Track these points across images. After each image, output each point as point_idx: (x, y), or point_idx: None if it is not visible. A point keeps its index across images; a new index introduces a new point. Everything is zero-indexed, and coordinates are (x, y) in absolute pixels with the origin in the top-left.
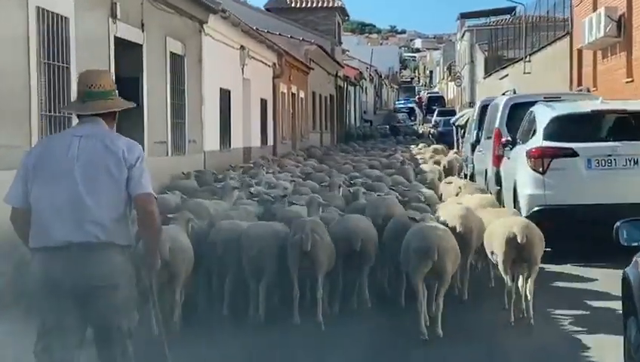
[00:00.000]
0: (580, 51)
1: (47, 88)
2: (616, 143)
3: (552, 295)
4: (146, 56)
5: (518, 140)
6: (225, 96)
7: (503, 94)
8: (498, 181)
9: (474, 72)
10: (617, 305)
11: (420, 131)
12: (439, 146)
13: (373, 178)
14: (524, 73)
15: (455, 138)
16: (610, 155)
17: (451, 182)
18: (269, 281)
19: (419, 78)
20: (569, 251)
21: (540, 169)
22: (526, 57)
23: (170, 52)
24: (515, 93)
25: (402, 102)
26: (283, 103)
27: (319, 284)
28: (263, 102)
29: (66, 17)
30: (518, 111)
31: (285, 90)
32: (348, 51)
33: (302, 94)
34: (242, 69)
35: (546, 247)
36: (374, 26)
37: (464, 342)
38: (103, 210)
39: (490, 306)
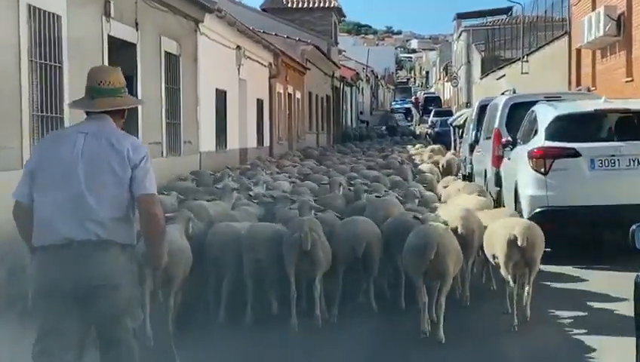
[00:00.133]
0: (578, 51)
1: (38, 88)
2: (620, 143)
3: (553, 296)
4: (141, 56)
5: (519, 140)
6: (221, 96)
7: (503, 94)
8: (498, 182)
9: (470, 73)
10: (619, 307)
11: (418, 132)
12: (436, 146)
13: (371, 178)
14: (522, 73)
15: (452, 138)
16: (613, 155)
17: (450, 183)
18: (271, 283)
19: (415, 78)
20: (571, 253)
21: (542, 169)
22: (523, 57)
23: (165, 51)
24: (514, 92)
25: (399, 102)
26: (279, 104)
27: (317, 283)
28: (259, 103)
29: (58, 15)
30: (517, 111)
31: (282, 91)
32: (344, 52)
33: (298, 95)
34: (238, 69)
35: (548, 249)
36: (370, 27)
37: (464, 343)
38: (105, 208)
39: (490, 308)
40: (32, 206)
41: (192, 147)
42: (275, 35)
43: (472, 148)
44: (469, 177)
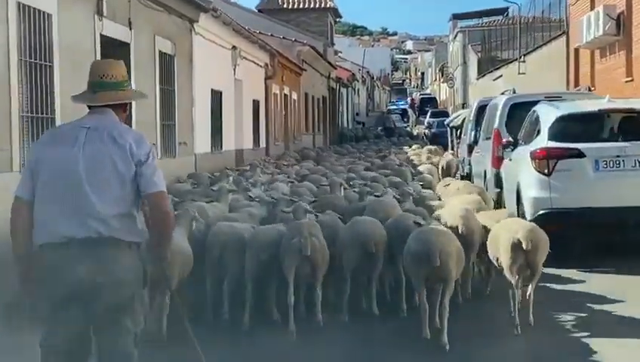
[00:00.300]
0: (576, 50)
1: (28, 88)
2: (625, 144)
3: (555, 298)
4: (134, 56)
5: (520, 141)
6: (216, 97)
7: (502, 94)
8: (498, 183)
9: (467, 73)
10: (622, 309)
11: (415, 133)
12: (434, 147)
13: (370, 179)
14: (519, 74)
15: (450, 139)
16: (618, 156)
17: (449, 183)
18: (272, 286)
19: (410, 79)
20: (575, 255)
21: (545, 170)
22: (520, 57)
23: (160, 51)
24: (514, 92)
25: (395, 103)
26: (275, 105)
27: (318, 290)
28: (255, 104)
29: (48, 14)
30: (518, 111)
31: (278, 92)
32: (340, 52)
33: (294, 95)
34: (234, 70)
35: (551, 252)
36: (366, 28)
37: (465, 345)
38: (107, 205)
39: (490, 310)
40: (32, 202)
41: (187, 148)
42: (271, 35)
43: (470, 149)
44: (467, 178)
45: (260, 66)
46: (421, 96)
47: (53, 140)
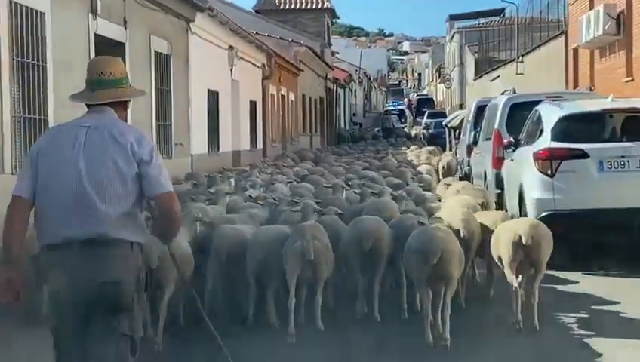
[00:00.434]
0: (575, 50)
1: (20, 88)
2: (630, 144)
3: (559, 299)
4: (129, 55)
5: (522, 141)
6: (213, 97)
7: (502, 94)
8: (498, 184)
9: (464, 74)
10: (626, 310)
11: (413, 134)
12: (432, 148)
13: (369, 179)
14: (517, 74)
15: (447, 140)
16: (623, 157)
17: (449, 184)
18: (277, 287)
19: (407, 80)
20: (580, 258)
21: (549, 171)
22: (518, 58)
23: (155, 51)
24: (514, 92)
25: (392, 104)
26: (273, 105)
27: (318, 295)
28: (253, 104)
29: (41, 12)
30: (518, 111)
31: (275, 92)
32: (337, 53)
33: (292, 96)
34: (231, 70)
35: (555, 253)
36: (362, 29)
37: (468, 346)
38: (108, 205)
39: (493, 311)
40: (31, 202)
41: (183, 149)
42: (268, 36)
43: (469, 149)
44: (466, 179)
45: (257, 67)
46: (418, 97)
47: (52, 140)
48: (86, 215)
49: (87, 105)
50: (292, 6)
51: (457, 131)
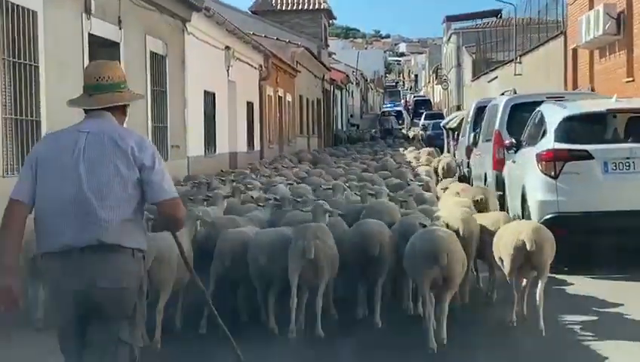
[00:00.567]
0: (574, 51)
1: (12, 89)
2: (635, 145)
3: (563, 302)
4: (124, 56)
5: (524, 142)
6: (209, 98)
7: (502, 94)
8: (499, 186)
9: (461, 75)
10: (630, 313)
11: (411, 135)
12: (430, 149)
13: (369, 180)
14: (515, 75)
15: (446, 141)
16: (628, 158)
17: (449, 187)
18: (278, 290)
19: (404, 81)
20: (584, 261)
21: (552, 173)
22: (516, 59)
23: (151, 51)
24: (515, 93)
25: (389, 106)
26: (270, 107)
27: (319, 298)
28: (250, 106)
29: (33, 11)
30: (519, 112)
31: (272, 93)
32: (334, 54)
33: (289, 97)
34: (227, 71)
35: (560, 257)
36: (359, 31)
37: (470, 348)
38: (109, 210)
39: (494, 312)
40: (30, 207)
41: (179, 152)
42: (265, 37)
43: (469, 150)
44: (466, 180)
45: (254, 68)
46: (415, 98)
47: (51, 146)
48: (86, 221)
49: (86, 111)
50: (289, 7)
51: (456, 132)
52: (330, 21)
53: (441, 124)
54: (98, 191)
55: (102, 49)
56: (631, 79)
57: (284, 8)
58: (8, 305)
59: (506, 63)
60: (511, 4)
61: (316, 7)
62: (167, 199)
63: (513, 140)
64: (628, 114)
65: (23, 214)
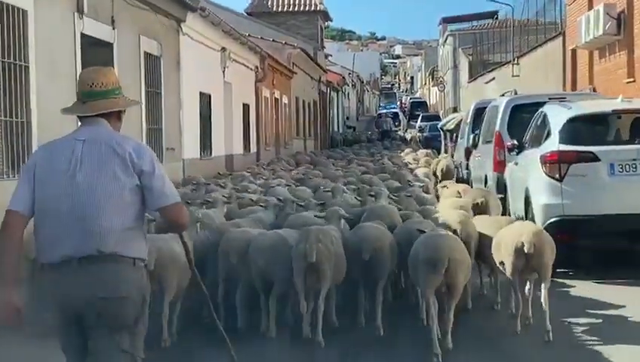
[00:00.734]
0: (574, 51)
1: (1, 90)
2: None
3: (567, 306)
4: (117, 56)
5: (526, 144)
6: (205, 100)
7: (503, 95)
8: (500, 188)
9: (457, 77)
10: (635, 316)
11: (408, 137)
12: (428, 151)
13: (368, 182)
14: (513, 76)
15: (443, 143)
16: (635, 160)
17: (448, 187)
18: (280, 293)
19: (399, 83)
20: (589, 265)
21: (557, 175)
22: (514, 60)
23: (145, 52)
24: (515, 93)
25: (386, 108)
26: (266, 108)
27: (321, 302)
28: (246, 108)
29: (24, 10)
30: (519, 113)
31: (268, 95)
32: (330, 56)
33: (285, 99)
34: (223, 72)
35: (565, 261)
36: (354, 33)
37: (475, 352)
38: (109, 220)
39: (498, 315)
40: (27, 218)
41: (174, 154)
42: (261, 38)
43: (468, 152)
44: (464, 182)
45: (250, 69)
46: (411, 100)
47: (48, 155)
48: (85, 230)
49: (80, 118)
50: (284, 8)
51: (453, 134)
52: (327, 23)
53: (439, 126)
54: (97, 200)
55: (94, 49)
56: (632, 80)
57: (279, 10)
58: (10, 319)
59: (504, 65)
60: (508, 4)
61: (312, 8)
62: (168, 205)
63: (515, 142)
64: (633, 115)
65: (22, 225)
